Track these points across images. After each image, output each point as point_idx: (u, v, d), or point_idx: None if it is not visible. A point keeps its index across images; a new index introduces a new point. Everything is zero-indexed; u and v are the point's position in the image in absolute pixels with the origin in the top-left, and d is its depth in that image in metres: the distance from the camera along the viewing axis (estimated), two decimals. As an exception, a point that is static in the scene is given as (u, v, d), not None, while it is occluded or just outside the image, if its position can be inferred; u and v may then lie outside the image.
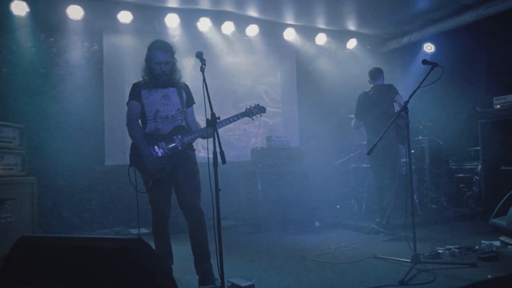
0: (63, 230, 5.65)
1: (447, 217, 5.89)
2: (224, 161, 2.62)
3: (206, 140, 3.09)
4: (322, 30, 7.50)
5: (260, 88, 7.34)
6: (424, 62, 3.84)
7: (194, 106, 3.55)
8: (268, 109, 7.17)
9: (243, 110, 3.52)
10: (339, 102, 7.18)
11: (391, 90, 5.27)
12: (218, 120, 2.80)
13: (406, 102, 3.67)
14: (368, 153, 3.65)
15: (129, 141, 6.42)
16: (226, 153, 2.63)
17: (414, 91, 3.72)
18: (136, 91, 3.36)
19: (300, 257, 4.12)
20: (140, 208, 5.96)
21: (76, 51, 6.12)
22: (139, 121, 3.41)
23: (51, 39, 6.01)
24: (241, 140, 7.05)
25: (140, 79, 3.42)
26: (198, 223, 3.26)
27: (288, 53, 7.60)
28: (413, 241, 3.52)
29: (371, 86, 5.47)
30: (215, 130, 2.70)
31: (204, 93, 2.77)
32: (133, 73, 6.41)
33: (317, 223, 6.07)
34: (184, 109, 3.40)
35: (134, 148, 3.32)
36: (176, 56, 3.37)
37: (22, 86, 5.68)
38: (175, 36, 6.50)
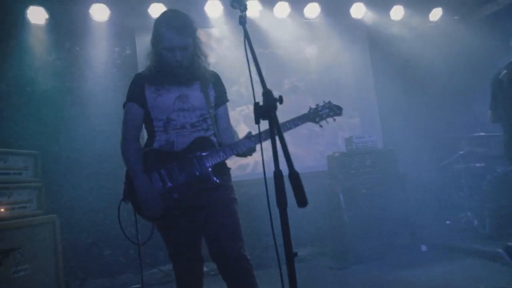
0: (105, 271, 4.65)
1: None
2: (302, 202, 1.26)
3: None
4: (398, 1, 6.02)
5: (328, 79, 5.94)
6: None
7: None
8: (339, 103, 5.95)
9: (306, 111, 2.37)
10: (432, 87, 5.70)
11: None
12: (278, 103, 1.42)
13: None
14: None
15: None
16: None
17: None
18: (138, 87, 2.26)
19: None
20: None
21: (106, 59, 5.17)
22: (141, 132, 2.33)
23: (77, 48, 5.11)
24: (309, 144, 5.67)
25: None
26: (246, 280, 2.13)
27: (358, 34, 6.16)
28: None
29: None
30: (278, 128, 1.38)
31: (248, 62, 1.54)
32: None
33: (423, 247, 4.55)
34: (212, 111, 2.32)
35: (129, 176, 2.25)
36: (222, 51, 2.11)
37: (48, 107, 4.80)
38: (218, 27, 5.38)
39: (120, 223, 2.29)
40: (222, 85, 2.41)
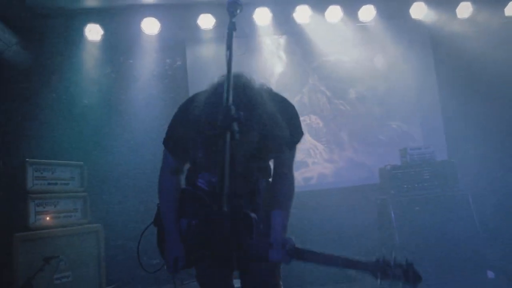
0: (151, 280, 4.71)
1: None
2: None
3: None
4: (465, -2, 5.49)
5: (388, 85, 5.53)
6: None
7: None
8: (400, 112, 5.52)
9: (373, 259, 1.70)
10: (505, 92, 5.11)
11: None
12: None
13: None
14: None
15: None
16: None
17: None
18: (182, 135, 1.89)
19: None
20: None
21: (157, 71, 5.31)
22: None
23: (131, 61, 5.30)
24: (358, 155, 5.33)
25: None
26: None
27: (419, 37, 5.66)
28: None
29: None
30: (232, 154, 1.25)
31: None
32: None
33: (490, 273, 4.04)
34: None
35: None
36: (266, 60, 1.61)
37: (100, 119, 5.02)
38: (266, 36, 5.31)
39: (139, 245, 2.29)
40: (297, 121, 2.05)
